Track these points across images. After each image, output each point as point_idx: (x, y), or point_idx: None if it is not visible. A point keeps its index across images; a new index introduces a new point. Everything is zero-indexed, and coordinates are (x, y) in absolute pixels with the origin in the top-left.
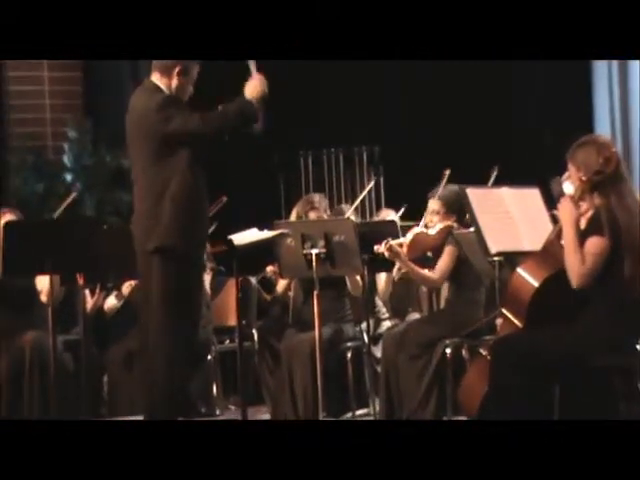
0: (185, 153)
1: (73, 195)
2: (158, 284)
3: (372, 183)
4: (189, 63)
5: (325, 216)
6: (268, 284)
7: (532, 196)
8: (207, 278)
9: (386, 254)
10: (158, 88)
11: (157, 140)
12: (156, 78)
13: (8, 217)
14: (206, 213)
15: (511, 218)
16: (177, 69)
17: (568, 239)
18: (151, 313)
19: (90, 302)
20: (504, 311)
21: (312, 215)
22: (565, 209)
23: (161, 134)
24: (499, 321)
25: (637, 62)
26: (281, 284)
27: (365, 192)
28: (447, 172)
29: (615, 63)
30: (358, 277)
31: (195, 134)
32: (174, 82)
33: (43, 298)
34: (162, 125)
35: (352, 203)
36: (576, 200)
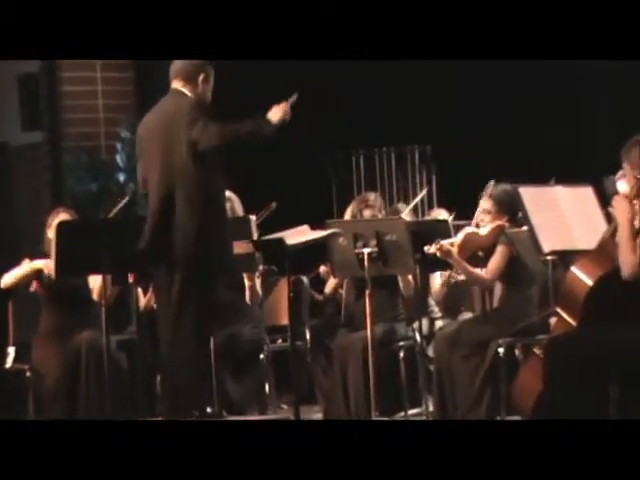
0: (209, 157)
1: (127, 198)
2: (176, 289)
3: (425, 190)
4: (210, 70)
5: (380, 215)
6: (321, 283)
7: (586, 195)
8: (257, 279)
9: (437, 254)
10: (184, 94)
11: (184, 143)
12: (180, 85)
13: (62, 216)
14: (225, 215)
15: (564, 217)
16: (202, 76)
17: (623, 237)
18: (170, 316)
19: (143, 301)
20: (558, 310)
21: (367, 213)
22: (620, 207)
23: (186, 137)
24: (553, 320)
25: None
26: (333, 283)
27: (424, 192)
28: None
29: None
30: (410, 276)
31: (209, 144)
32: (199, 89)
33: (95, 297)
34: (188, 128)
35: (405, 202)
36: (631, 198)
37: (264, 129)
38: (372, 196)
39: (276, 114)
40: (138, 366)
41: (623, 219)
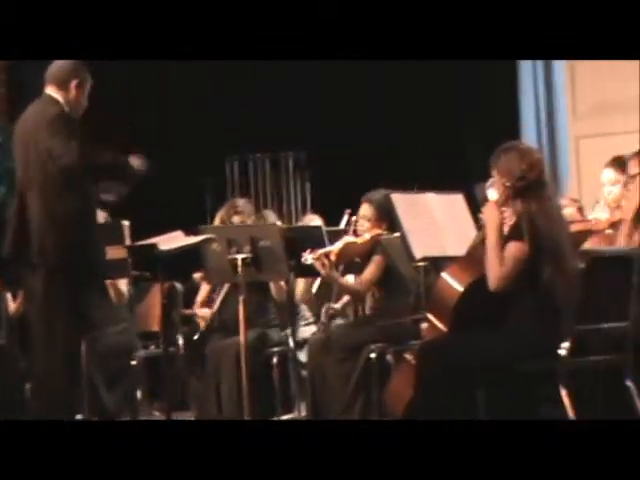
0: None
1: None
2: (40, 296)
3: None
4: (85, 76)
5: (249, 221)
6: (194, 289)
7: (457, 201)
8: (125, 283)
9: (315, 264)
10: (55, 101)
11: (44, 152)
12: (52, 90)
13: None
14: (94, 221)
15: (436, 223)
16: (74, 82)
17: (490, 243)
18: (39, 321)
19: (12, 306)
20: (429, 316)
21: (236, 219)
22: (489, 213)
23: (47, 147)
24: (424, 326)
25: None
26: (207, 289)
27: None
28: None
29: (540, 62)
30: (282, 282)
31: (60, 161)
32: (71, 95)
33: None
34: (49, 138)
35: (279, 208)
36: (500, 206)
37: (122, 170)
38: (241, 202)
39: (136, 161)
40: (8, 372)
41: (492, 225)
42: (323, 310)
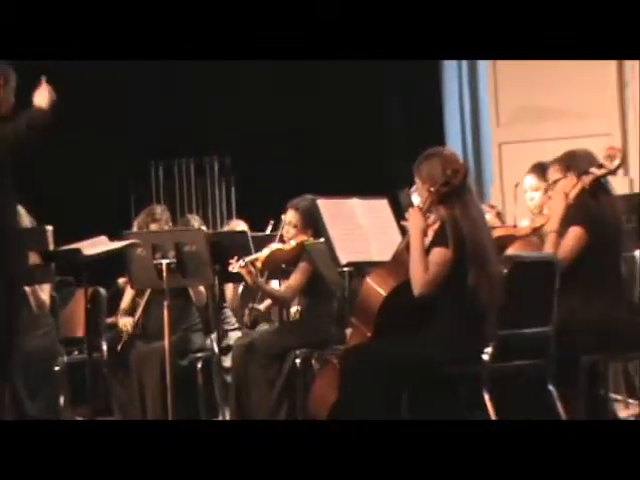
0: None
1: None
2: None
3: None
4: (10, 73)
5: (167, 228)
6: (119, 294)
7: (381, 207)
8: (47, 289)
9: (241, 272)
10: None
11: None
12: None
13: None
14: (14, 225)
15: (361, 229)
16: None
17: (414, 249)
18: None
19: None
20: (353, 321)
21: (153, 227)
22: (413, 219)
23: None
24: (349, 331)
25: (485, 63)
26: (131, 294)
27: None
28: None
29: (465, 64)
30: (201, 287)
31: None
32: None
33: None
34: None
35: (204, 213)
36: (424, 211)
37: (39, 117)
38: (158, 209)
39: (42, 98)
40: None
41: (416, 230)
42: (246, 311)
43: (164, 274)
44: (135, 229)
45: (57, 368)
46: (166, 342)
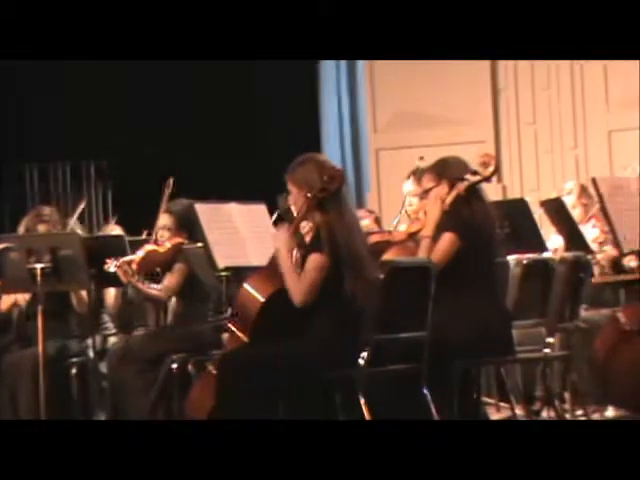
0: None
1: None
2: None
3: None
4: None
5: (56, 230)
6: None
7: (259, 212)
8: None
9: (118, 272)
10: None
11: None
12: None
13: None
14: None
15: (239, 233)
16: None
17: (284, 267)
18: None
19: None
20: (230, 326)
21: (41, 228)
22: (280, 240)
23: None
24: (226, 336)
25: (363, 64)
26: (6, 300)
27: (82, 206)
28: (171, 181)
29: (343, 64)
30: (83, 292)
31: None
32: None
33: None
34: None
35: (80, 217)
36: (299, 220)
37: None
38: (47, 210)
39: None
40: None
41: (283, 252)
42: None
43: (38, 278)
44: (22, 230)
45: None
46: (40, 348)
